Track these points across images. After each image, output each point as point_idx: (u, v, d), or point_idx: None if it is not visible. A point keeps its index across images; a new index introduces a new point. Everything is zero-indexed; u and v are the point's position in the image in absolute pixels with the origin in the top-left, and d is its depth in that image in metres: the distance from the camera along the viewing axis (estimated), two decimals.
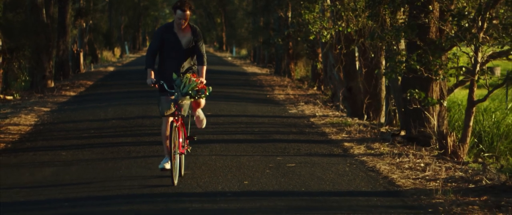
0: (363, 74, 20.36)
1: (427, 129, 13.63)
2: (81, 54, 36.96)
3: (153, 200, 9.01)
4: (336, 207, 8.69)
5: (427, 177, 10.49)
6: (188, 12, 9.90)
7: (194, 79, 9.81)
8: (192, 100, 9.91)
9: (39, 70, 26.57)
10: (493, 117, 19.57)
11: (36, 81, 26.58)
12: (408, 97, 13.72)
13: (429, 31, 13.81)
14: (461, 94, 23.42)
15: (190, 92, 9.74)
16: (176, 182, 9.70)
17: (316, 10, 20.49)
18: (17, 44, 24.20)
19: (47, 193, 9.50)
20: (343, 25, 18.10)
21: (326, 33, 19.10)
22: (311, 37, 21.02)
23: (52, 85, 27.00)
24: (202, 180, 10.14)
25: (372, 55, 18.96)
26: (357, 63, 20.96)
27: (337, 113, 18.88)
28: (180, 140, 9.95)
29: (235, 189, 9.61)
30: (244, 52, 63.75)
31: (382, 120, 19.49)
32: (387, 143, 13.49)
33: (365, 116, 19.45)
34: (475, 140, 18.22)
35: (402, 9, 14.68)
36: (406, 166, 11.32)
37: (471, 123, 13.51)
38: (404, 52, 14.45)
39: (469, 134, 13.45)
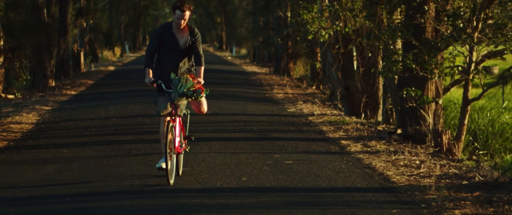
0: (360, 73, 20.54)
1: (423, 127, 13.83)
2: (82, 54, 37.13)
3: (153, 196, 9.21)
4: (331, 202, 8.91)
5: (421, 174, 10.70)
6: (187, 13, 9.93)
7: (192, 79, 9.87)
8: (189, 100, 9.98)
9: (40, 69, 26.73)
10: (488, 115, 19.77)
11: (37, 80, 26.75)
12: (404, 96, 13.92)
13: (425, 31, 14.01)
14: (457, 93, 23.59)
15: (186, 92, 9.80)
16: (172, 182, 9.75)
17: (315, 10, 20.66)
18: (19, 44, 24.35)
19: (50, 189, 9.70)
20: (341, 25, 18.29)
21: (324, 33, 19.28)
22: (309, 37, 21.19)
23: (53, 84, 27.18)
24: (201, 176, 10.35)
25: (370, 55, 19.15)
26: (355, 63, 21.14)
27: (335, 111, 19.08)
28: (178, 139, 10.01)
29: (234, 185, 9.82)
30: (243, 51, 63.88)
31: (379, 118, 19.68)
32: (383, 141, 13.69)
33: (363, 115, 19.63)
34: (470, 138, 18.43)
35: (398, 10, 14.87)
36: (402, 163, 11.53)
37: (466, 121, 13.73)
38: (400, 52, 14.64)
39: (464, 132, 13.67)
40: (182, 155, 10.36)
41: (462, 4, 14.13)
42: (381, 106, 19.94)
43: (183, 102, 9.95)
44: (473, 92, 13.54)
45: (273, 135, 14.55)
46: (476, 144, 18.36)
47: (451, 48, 14.10)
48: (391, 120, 17.66)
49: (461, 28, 13.27)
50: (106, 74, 34.75)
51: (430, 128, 13.75)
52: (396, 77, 14.92)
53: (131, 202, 8.93)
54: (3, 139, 14.10)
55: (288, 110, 19.19)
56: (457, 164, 11.53)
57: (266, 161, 11.59)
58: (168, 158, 9.68)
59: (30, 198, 9.22)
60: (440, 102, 14.43)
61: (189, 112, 10.39)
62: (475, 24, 13.24)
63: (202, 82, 10.01)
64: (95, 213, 8.43)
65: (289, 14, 34.16)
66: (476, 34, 13.26)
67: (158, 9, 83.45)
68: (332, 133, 14.90)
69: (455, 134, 14.01)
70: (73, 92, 24.77)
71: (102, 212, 8.50)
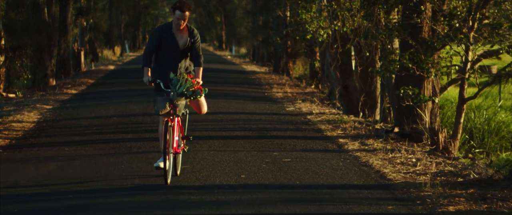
0: (358, 72, 20.67)
1: (420, 126, 13.98)
2: (82, 53, 37.24)
3: (153, 192, 9.36)
4: (328, 199, 9.06)
5: (417, 172, 10.86)
6: (187, 13, 10.02)
7: (191, 79, 9.93)
8: (188, 100, 10.04)
9: (41, 68, 26.83)
10: (485, 114, 19.92)
11: (38, 79, 26.85)
12: (401, 94, 14.06)
13: (421, 30, 14.15)
14: (454, 92, 23.72)
15: (185, 92, 9.86)
16: (169, 181, 9.79)
17: (313, 10, 20.79)
18: (19, 43, 24.45)
19: (51, 186, 9.83)
20: (339, 24, 18.42)
21: (322, 32, 19.40)
22: (308, 37, 21.31)
23: (54, 83, 27.28)
24: (201, 174, 10.50)
25: (367, 54, 19.28)
26: (353, 62, 21.26)
27: (333, 110, 19.21)
28: (176, 139, 10.04)
29: (233, 182, 9.97)
30: (243, 50, 63.96)
31: (377, 117, 19.80)
32: (380, 140, 13.83)
33: (361, 114, 19.76)
34: (467, 136, 18.57)
35: (395, 10, 15.01)
36: (398, 161, 11.68)
37: (462, 120, 13.89)
38: (397, 51, 14.79)
39: (460, 131, 13.83)
40: (180, 155, 10.42)
41: (458, 4, 14.27)
42: (378, 105, 20.06)
43: (182, 102, 10.01)
44: (469, 91, 13.69)
45: (272, 133, 14.69)
46: (472, 142, 18.52)
47: (447, 47, 14.25)
48: (389, 119, 17.77)
49: (457, 28, 13.42)
50: (106, 73, 34.83)
51: (427, 126, 13.91)
52: (393, 76, 15.06)
53: (131, 198, 9.07)
54: (5, 137, 14.21)
55: (287, 109, 19.32)
56: (453, 162, 11.68)
57: (264, 159, 11.74)
58: (166, 157, 9.75)
59: (32, 195, 9.36)
60: (437, 100, 14.59)
61: (187, 111, 10.45)
62: (471, 24, 13.40)
63: (201, 82, 10.06)
64: (96, 210, 8.57)
65: (288, 14, 34.26)
66: (472, 33, 13.42)
67: (158, 9, 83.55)
68: (330, 131, 15.05)
69: (451, 132, 14.16)
70: (73, 91, 24.87)
71: (103, 208, 8.64)
